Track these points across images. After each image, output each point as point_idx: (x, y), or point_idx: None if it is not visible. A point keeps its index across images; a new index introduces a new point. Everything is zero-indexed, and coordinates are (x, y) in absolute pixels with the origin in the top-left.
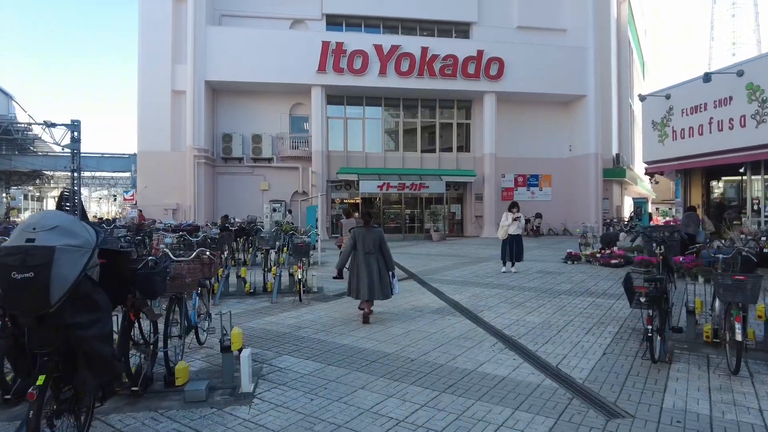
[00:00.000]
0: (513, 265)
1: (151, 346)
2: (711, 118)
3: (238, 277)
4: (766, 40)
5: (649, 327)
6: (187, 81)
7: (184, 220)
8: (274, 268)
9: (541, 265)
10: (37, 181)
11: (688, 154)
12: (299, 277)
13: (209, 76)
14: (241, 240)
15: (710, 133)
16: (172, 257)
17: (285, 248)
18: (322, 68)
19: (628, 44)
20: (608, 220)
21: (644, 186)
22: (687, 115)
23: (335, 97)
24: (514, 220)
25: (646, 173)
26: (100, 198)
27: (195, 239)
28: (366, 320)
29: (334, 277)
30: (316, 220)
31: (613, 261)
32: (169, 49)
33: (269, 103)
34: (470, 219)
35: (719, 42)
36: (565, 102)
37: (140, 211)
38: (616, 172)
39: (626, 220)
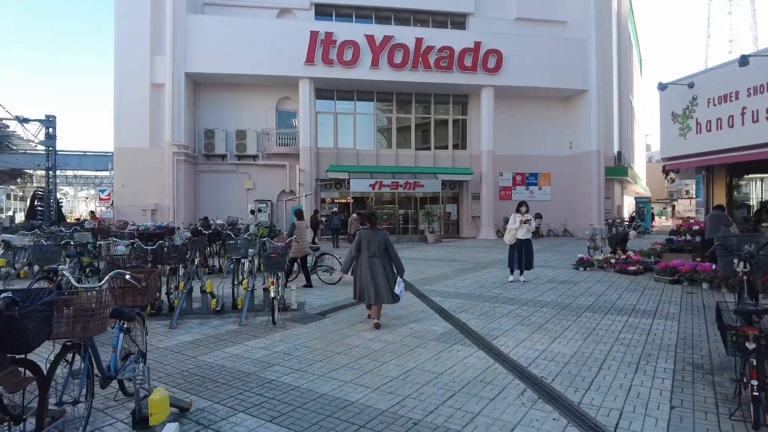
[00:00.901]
0: (521, 273)
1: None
2: (744, 108)
3: (203, 291)
4: (762, 37)
5: (755, 383)
6: (166, 73)
7: (164, 222)
8: (245, 281)
9: (550, 273)
10: (19, 180)
11: (717, 149)
12: (272, 294)
13: (190, 67)
14: (217, 245)
15: (742, 125)
16: (74, 283)
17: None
18: (310, 60)
19: (628, 38)
20: (610, 221)
21: (642, 185)
22: (714, 105)
23: (325, 90)
24: (524, 222)
25: (664, 171)
26: (87, 197)
27: (150, 247)
28: (377, 326)
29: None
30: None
31: (632, 268)
32: (147, 39)
33: (254, 97)
34: (466, 220)
35: (716, 40)
36: (565, 97)
37: (92, 212)
38: (617, 170)
39: (627, 220)
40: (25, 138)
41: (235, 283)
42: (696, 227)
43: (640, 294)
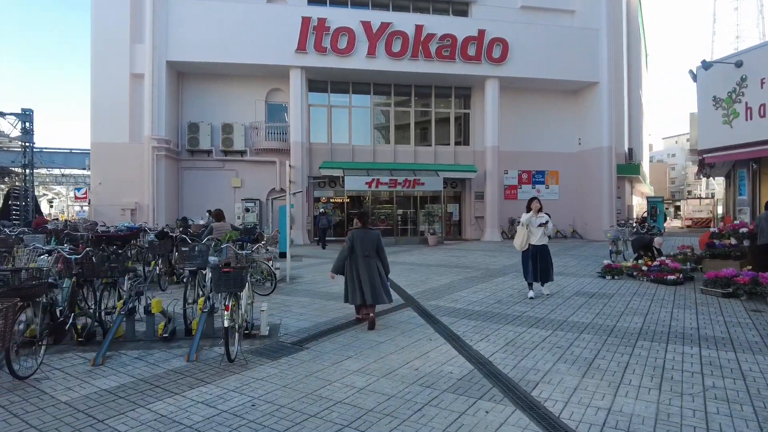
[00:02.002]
0: (542, 285)
1: None
2: None
3: (148, 312)
4: None
5: None
6: (146, 61)
7: (141, 222)
8: (200, 300)
9: (574, 283)
10: (7, 179)
11: None
12: (226, 324)
13: (172, 56)
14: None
15: None
16: None
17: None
18: (301, 47)
19: (638, 29)
20: (621, 222)
21: (647, 184)
22: None
23: (318, 82)
24: (541, 225)
25: (703, 164)
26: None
27: (75, 256)
28: (372, 326)
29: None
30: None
31: (670, 277)
32: (127, 26)
33: (242, 88)
34: (469, 220)
35: (721, 36)
36: (574, 90)
37: (39, 214)
38: (629, 168)
39: (638, 220)
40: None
41: (190, 301)
42: (743, 229)
43: (694, 312)
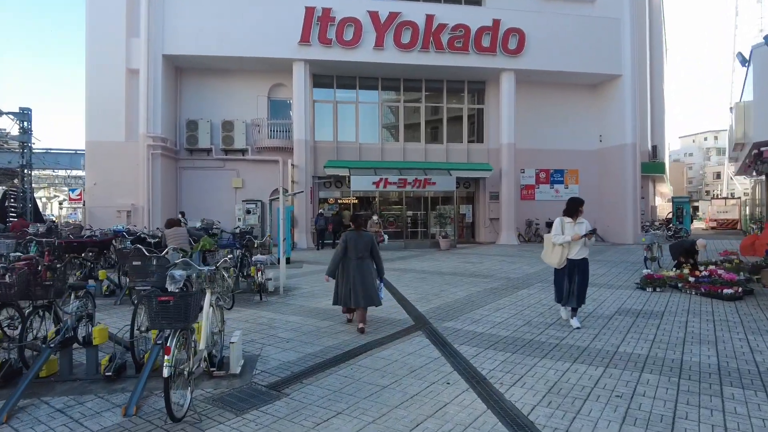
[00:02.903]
0: (574, 312)
1: None
2: None
3: (86, 343)
4: None
5: None
6: (141, 55)
7: (133, 225)
8: (154, 332)
9: (611, 297)
10: (16, 181)
11: None
12: (165, 373)
13: (168, 49)
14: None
15: None
16: None
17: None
18: (305, 39)
19: (660, 18)
20: (647, 224)
21: (669, 184)
22: None
23: (323, 77)
24: (585, 236)
25: (760, 158)
26: None
27: None
28: (362, 330)
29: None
30: (291, 225)
31: (726, 291)
32: (122, 19)
33: (244, 84)
34: (483, 222)
35: (743, 30)
36: (594, 84)
37: (17, 216)
38: (653, 166)
39: (661, 222)
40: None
41: (143, 329)
42: None
43: None
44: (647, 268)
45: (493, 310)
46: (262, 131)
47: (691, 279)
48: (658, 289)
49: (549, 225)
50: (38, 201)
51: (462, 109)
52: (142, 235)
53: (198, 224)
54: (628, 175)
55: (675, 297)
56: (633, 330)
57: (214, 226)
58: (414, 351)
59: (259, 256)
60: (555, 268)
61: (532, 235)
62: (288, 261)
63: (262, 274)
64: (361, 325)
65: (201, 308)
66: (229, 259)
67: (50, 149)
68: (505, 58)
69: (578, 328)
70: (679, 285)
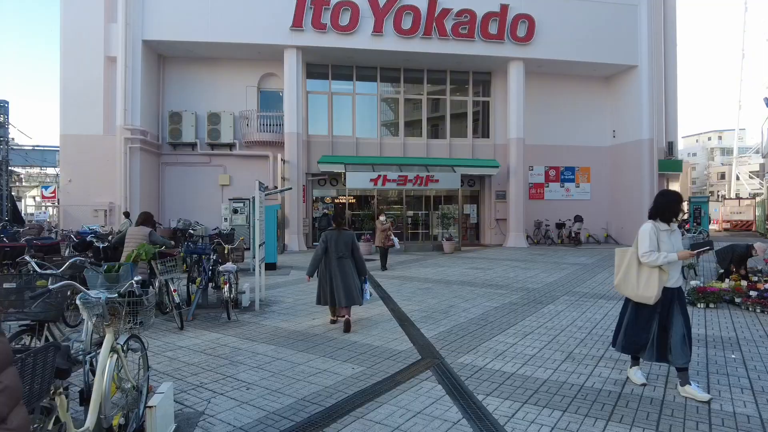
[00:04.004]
0: (678, 372)
1: None
2: None
3: None
4: None
5: None
6: (119, 41)
7: (101, 226)
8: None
9: None
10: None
11: None
12: None
13: (148, 34)
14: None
15: None
16: None
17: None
18: (297, 24)
19: (674, 7)
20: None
21: (679, 183)
22: None
23: (317, 66)
24: (700, 252)
25: None
26: None
27: None
28: (348, 328)
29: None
30: (279, 226)
31: None
32: (101, 2)
33: (232, 73)
34: (489, 223)
35: (754, 27)
36: (608, 76)
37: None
38: (670, 164)
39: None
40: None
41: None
42: None
43: None
44: (685, 278)
45: (518, 335)
46: (251, 124)
47: (753, 293)
48: (711, 305)
49: (559, 226)
50: (32, 201)
51: (466, 102)
52: (90, 239)
53: (174, 225)
54: (645, 173)
55: (737, 316)
56: (715, 370)
57: (192, 228)
58: (422, 409)
59: (227, 265)
60: (630, 303)
61: (542, 237)
62: (274, 267)
63: (230, 288)
64: (346, 317)
65: (58, 371)
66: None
67: (37, 146)
68: (513, 46)
69: (708, 399)
70: (737, 300)
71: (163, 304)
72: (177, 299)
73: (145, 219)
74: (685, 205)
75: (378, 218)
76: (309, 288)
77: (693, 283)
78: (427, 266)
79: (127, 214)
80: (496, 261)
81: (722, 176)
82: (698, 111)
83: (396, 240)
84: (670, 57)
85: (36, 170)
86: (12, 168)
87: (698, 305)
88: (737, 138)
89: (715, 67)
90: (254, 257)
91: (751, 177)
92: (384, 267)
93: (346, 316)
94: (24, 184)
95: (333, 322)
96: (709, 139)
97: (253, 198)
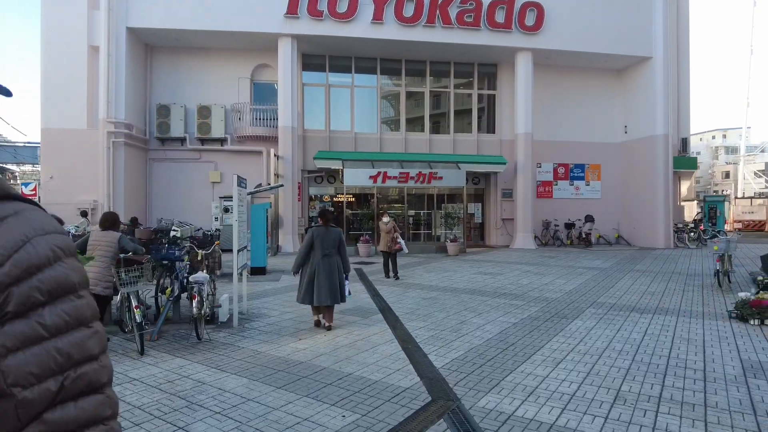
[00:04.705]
0: None
1: None
2: None
3: None
4: None
5: None
6: (101, 28)
7: (76, 226)
8: None
9: (711, 337)
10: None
11: None
12: None
13: (133, 21)
14: None
15: None
16: None
17: None
18: (292, 11)
19: None
20: (680, 225)
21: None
22: None
23: (313, 57)
24: None
25: None
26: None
27: None
28: (329, 328)
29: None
30: (269, 227)
31: None
32: None
33: (224, 64)
34: (494, 223)
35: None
36: (619, 69)
37: None
38: (685, 162)
39: (689, 223)
40: None
41: None
42: None
43: None
44: (720, 286)
45: (548, 363)
46: (243, 118)
47: None
48: (766, 322)
49: (569, 226)
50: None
51: (471, 95)
52: None
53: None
54: (659, 171)
55: None
56: None
57: (173, 228)
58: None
59: (198, 275)
60: None
61: (550, 237)
62: (263, 272)
63: (201, 302)
64: (327, 324)
65: None
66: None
67: (28, 143)
68: (521, 35)
69: None
70: None
71: (122, 322)
72: (139, 318)
73: (113, 222)
74: (690, 205)
75: (381, 218)
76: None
77: (742, 295)
78: (431, 270)
79: (84, 214)
80: (505, 265)
81: (726, 175)
82: (702, 109)
83: (403, 243)
84: (683, 49)
85: (30, 168)
86: (3, 165)
87: (751, 321)
88: (745, 136)
89: (718, 64)
90: (234, 264)
91: (757, 176)
92: (390, 274)
93: (328, 324)
94: (19, 182)
95: (317, 323)
96: (713, 137)
97: (260, 203)
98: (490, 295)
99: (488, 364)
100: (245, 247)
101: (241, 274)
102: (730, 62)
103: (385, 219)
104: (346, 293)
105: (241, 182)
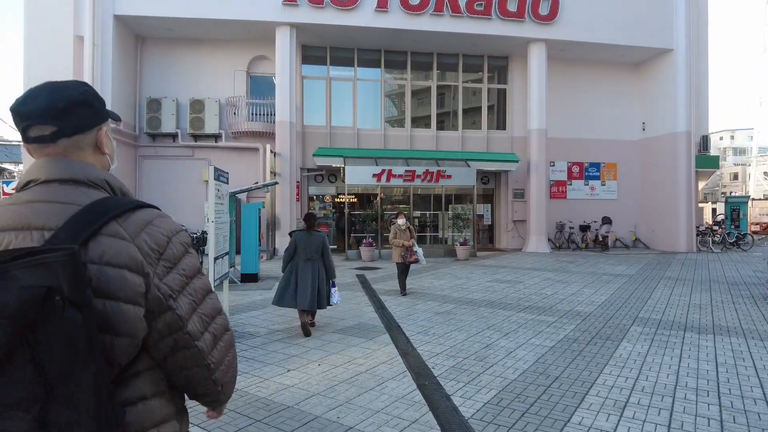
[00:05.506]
0: None
1: None
2: None
3: None
4: None
5: None
6: (86, 16)
7: None
8: None
9: None
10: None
11: None
12: None
13: (120, 8)
14: None
15: None
16: None
17: None
18: None
19: None
20: (702, 228)
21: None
22: None
23: (314, 49)
24: None
25: None
26: None
27: None
28: (307, 332)
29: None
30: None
31: None
32: None
33: (218, 56)
34: (505, 225)
35: None
36: (637, 63)
37: None
38: (707, 161)
39: (710, 224)
40: None
41: None
42: None
43: None
44: None
45: (610, 409)
46: (239, 113)
47: None
48: None
49: (584, 228)
50: None
51: (481, 89)
52: None
53: None
54: (681, 170)
55: None
56: None
57: None
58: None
59: None
60: None
61: (565, 240)
62: (254, 279)
63: None
64: (308, 323)
65: None
66: None
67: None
68: (534, 25)
69: None
70: None
71: None
72: None
73: None
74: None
75: (396, 221)
76: (290, 309)
77: None
78: (442, 277)
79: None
80: (521, 271)
81: (735, 177)
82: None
83: (420, 252)
84: (702, 43)
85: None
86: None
87: None
88: (758, 136)
89: (722, 65)
90: (210, 272)
91: (766, 177)
92: (403, 290)
93: (306, 321)
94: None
95: (304, 327)
96: (721, 138)
97: (234, 193)
98: (514, 308)
99: (532, 411)
100: (226, 253)
101: (221, 285)
102: (736, 63)
103: (401, 221)
104: (334, 300)
105: (221, 176)
